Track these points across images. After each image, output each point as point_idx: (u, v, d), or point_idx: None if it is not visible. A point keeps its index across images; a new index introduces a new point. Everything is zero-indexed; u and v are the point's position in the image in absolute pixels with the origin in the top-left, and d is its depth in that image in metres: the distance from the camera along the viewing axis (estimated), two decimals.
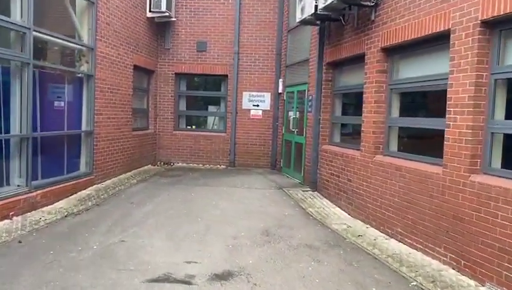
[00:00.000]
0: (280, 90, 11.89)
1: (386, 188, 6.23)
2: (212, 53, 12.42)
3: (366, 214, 6.80)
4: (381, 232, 6.25)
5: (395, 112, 6.61)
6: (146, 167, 11.70)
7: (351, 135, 8.55)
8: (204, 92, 13.23)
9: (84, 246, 5.23)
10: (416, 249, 5.40)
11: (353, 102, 8.49)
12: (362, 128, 7.16)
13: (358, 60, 7.49)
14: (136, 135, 11.10)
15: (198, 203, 7.88)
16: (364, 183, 6.95)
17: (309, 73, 9.80)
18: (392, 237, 5.97)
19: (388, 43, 6.36)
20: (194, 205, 7.70)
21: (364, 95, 7.15)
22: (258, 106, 12.38)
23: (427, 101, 6.69)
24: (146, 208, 7.35)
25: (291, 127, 10.75)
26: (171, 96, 12.62)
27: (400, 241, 5.77)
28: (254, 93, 12.36)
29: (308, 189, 9.27)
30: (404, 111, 6.57)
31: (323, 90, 9.02)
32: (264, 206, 7.85)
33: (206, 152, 12.57)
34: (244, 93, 12.39)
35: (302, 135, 10.19)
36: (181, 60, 12.50)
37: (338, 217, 7.30)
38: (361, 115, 7.25)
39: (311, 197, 8.68)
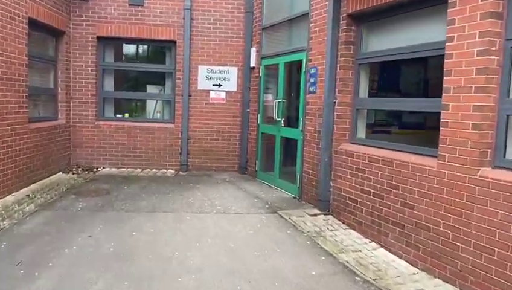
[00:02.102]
0: (253, 64, 8.46)
1: None
2: (152, 9, 8.63)
3: (460, 272, 3.72)
4: None
5: None
6: (55, 176, 7.75)
7: (398, 127, 5.46)
8: (142, 65, 9.33)
9: None
10: None
11: (407, 75, 5.36)
12: (444, 119, 4.06)
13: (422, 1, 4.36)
14: (36, 128, 7.13)
15: (147, 257, 4.31)
16: (453, 216, 3.87)
17: (310, 34, 6.49)
18: None
19: None
20: (140, 265, 4.13)
21: (448, 61, 4.03)
22: (220, 85, 8.86)
23: None
24: (43, 281, 3.67)
25: (275, 116, 7.41)
26: (92, 70, 8.67)
27: None
28: (214, 68, 8.81)
29: (316, 210, 6.04)
30: None
31: (340, 59, 5.77)
32: (266, 256, 4.48)
33: (146, 151, 8.84)
34: (200, 67, 8.79)
35: (296, 128, 6.90)
36: (106, 17, 8.57)
37: (399, 271, 4.19)
38: (436, 97, 4.18)
39: (329, 226, 5.46)
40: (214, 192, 7.07)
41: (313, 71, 6.36)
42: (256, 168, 8.32)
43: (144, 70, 9.24)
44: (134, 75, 9.63)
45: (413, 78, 6.97)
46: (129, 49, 9.41)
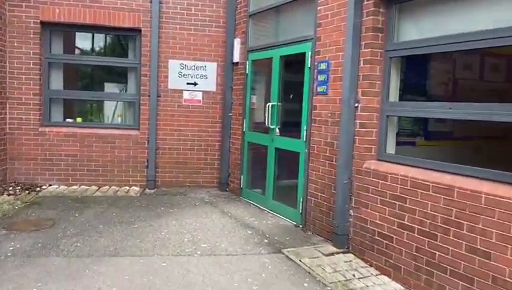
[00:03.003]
0: (236, 59, 7.00)
1: None
2: None
3: None
4: None
5: None
6: None
7: (446, 139, 4.16)
8: (99, 58, 7.57)
9: None
10: None
11: (462, 73, 4.10)
12: None
13: None
14: None
15: None
16: None
17: (317, 20, 5.12)
18: None
19: None
20: None
21: None
22: (195, 84, 7.33)
23: None
24: None
25: (268, 123, 5.99)
26: (35, 64, 6.92)
27: None
28: (189, 63, 7.29)
29: (331, 247, 4.67)
30: None
31: (364, 51, 4.44)
32: None
33: (103, 164, 7.18)
34: (171, 62, 7.24)
35: (297, 138, 5.50)
36: None
37: None
38: None
39: (355, 272, 4.09)
40: (193, 219, 5.55)
41: (322, 67, 5.00)
42: (241, 185, 6.87)
43: (101, 64, 7.54)
44: (89, 70, 7.93)
45: (472, 76, 5.71)
46: (83, 38, 7.68)
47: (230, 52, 7.05)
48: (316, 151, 5.14)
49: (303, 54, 5.40)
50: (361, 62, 4.46)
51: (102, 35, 7.59)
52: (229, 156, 7.22)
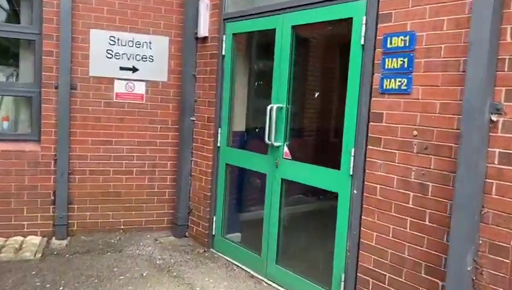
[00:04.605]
0: (204, 31, 4.40)
1: None
2: None
3: None
4: None
5: None
6: None
7: None
8: None
9: None
10: None
11: None
12: None
13: None
14: None
15: None
16: None
17: None
18: None
19: None
20: None
21: None
22: (134, 70, 4.65)
23: None
24: None
25: (269, 137, 3.56)
26: None
27: None
28: (124, 37, 4.58)
29: None
30: None
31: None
32: None
33: None
34: (94, 34, 4.47)
35: (337, 168, 3.14)
36: None
37: None
38: None
39: None
40: None
41: (397, 43, 2.71)
42: (213, 230, 4.37)
43: None
44: None
45: None
46: None
47: (193, 21, 4.47)
48: (379, 196, 2.85)
49: (346, 22, 3.06)
50: (510, 35, 2.24)
51: None
52: (190, 182, 4.67)
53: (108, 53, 4.53)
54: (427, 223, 2.59)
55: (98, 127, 4.56)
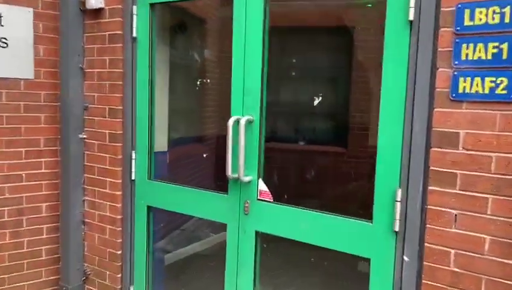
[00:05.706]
0: (96, 2, 2.79)
1: None
2: None
3: None
4: None
5: None
6: None
7: None
8: None
9: None
10: None
11: None
12: None
13: None
14: None
15: None
16: None
17: None
18: None
19: None
20: None
21: None
22: None
23: None
24: None
25: (236, 170, 2.20)
26: None
27: None
28: None
29: None
30: None
31: None
32: None
33: None
34: None
35: (367, 218, 1.96)
36: None
37: None
38: None
39: None
40: None
41: (489, 17, 1.63)
42: None
43: None
44: None
45: None
46: None
47: None
48: (454, 268, 1.76)
49: None
50: None
51: None
52: (82, 235, 3.02)
53: None
54: None
55: None
